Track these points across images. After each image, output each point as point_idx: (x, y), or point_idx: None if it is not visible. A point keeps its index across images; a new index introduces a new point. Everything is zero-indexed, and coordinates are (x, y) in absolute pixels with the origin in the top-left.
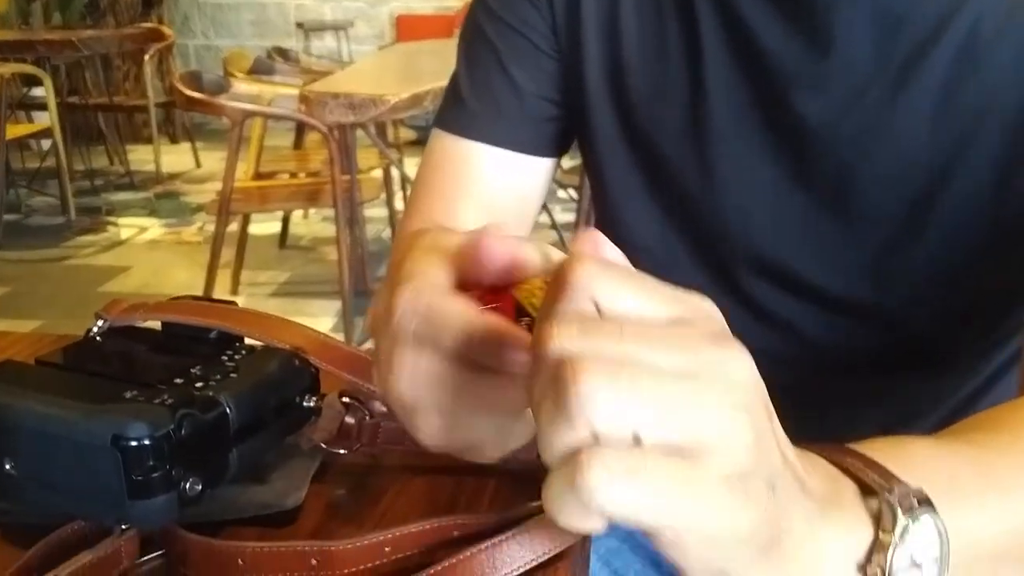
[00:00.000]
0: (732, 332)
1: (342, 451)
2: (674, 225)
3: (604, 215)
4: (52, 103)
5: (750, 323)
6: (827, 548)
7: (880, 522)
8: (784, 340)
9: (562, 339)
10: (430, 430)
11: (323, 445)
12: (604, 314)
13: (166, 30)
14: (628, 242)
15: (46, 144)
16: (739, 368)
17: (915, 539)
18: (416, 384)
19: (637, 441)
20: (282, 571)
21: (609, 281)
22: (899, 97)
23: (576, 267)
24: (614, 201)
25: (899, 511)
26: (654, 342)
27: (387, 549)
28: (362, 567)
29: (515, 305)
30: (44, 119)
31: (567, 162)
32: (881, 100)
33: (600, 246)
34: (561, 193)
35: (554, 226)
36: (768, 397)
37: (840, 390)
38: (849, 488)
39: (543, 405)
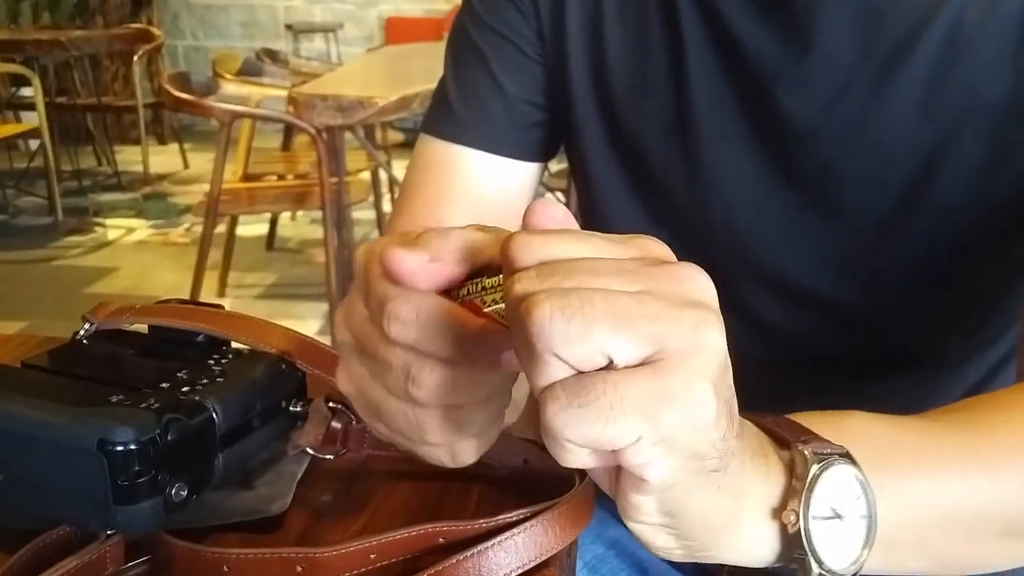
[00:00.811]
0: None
1: (328, 456)
2: (659, 225)
3: (589, 217)
4: (40, 103)
5: (738, 326)
6: (749, 491)
7: (793, 470)
8: (772, 343)
9: (521, 283)
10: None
11: (309, 450)
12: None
13: (155, 31)
14: None
15: (34, 144)
16: (692, 284)
17: (830, 487)
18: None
19: (609, 363)
20: None
21: (556, 237)
22: (882, 93)
23: (520, 234)
24: (599, 203)
25: (810, 457)
26: (605, 270)
27: (372, 556)
28: (348, 574)
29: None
30: (32, 119)
31: (554, 166)
32: (864, 97)
33: (545, 210)
34: (548, 196)
35: None
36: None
37: (828, 392)
38: (766, 441)
39: (520, 354)
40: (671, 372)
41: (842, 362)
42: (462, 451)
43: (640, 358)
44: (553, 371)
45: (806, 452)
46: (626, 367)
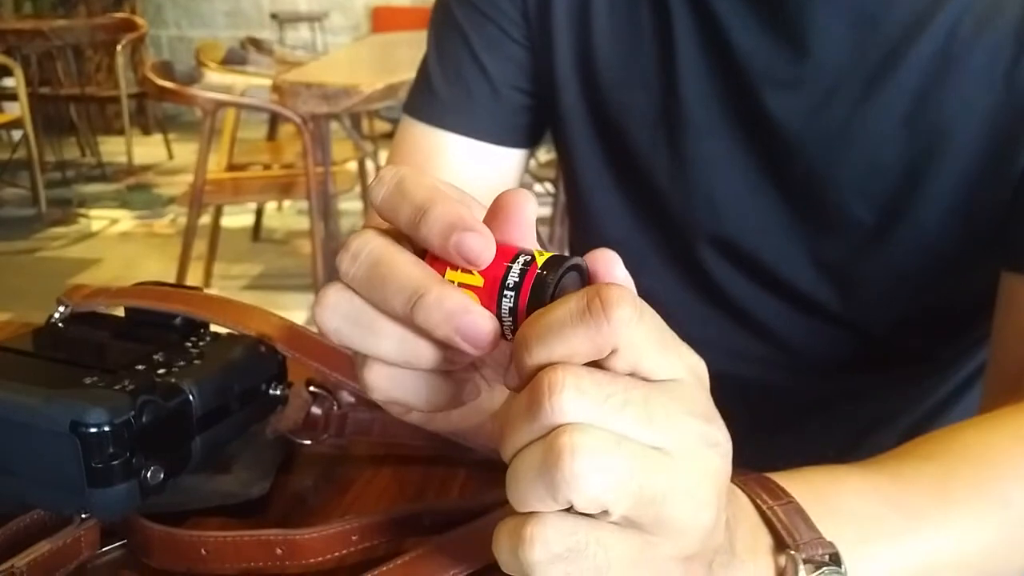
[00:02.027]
0: (706, 333)
1: (308, 441)
2: (644, 218)
3: (575, 208)
4: (23, 94)
5: (723, 323)
6: None
7: (783, 573)
8: (757, 341)
9: (563, 400)
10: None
11: (289, 435)
12: (615, 369)
13: (139, 20)
14: (598, 235)
15: (17, 135)
16: (715, 452)
17: None
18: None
19: (605, 513)
20: (246, 560)
21: (638, 333)
22: (871, 99)
23: (614, 308)
24: (584, 193)
25: (801, 570)
26: (644, 419)
27: (354, 537)
28: (328, 556)
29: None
30: (15, 110)
31: (543, 155)
32: (853, 101)
33: (614, 266)
34: (537, 187)
35: None
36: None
37: (813, 392)
38: (764, 542)
39: (527, 460)
40: (659, 548)
41: (825, 363)
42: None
43: (634, 520)
44: (547, 504)
45: (799, 564)
46: (616, 524)
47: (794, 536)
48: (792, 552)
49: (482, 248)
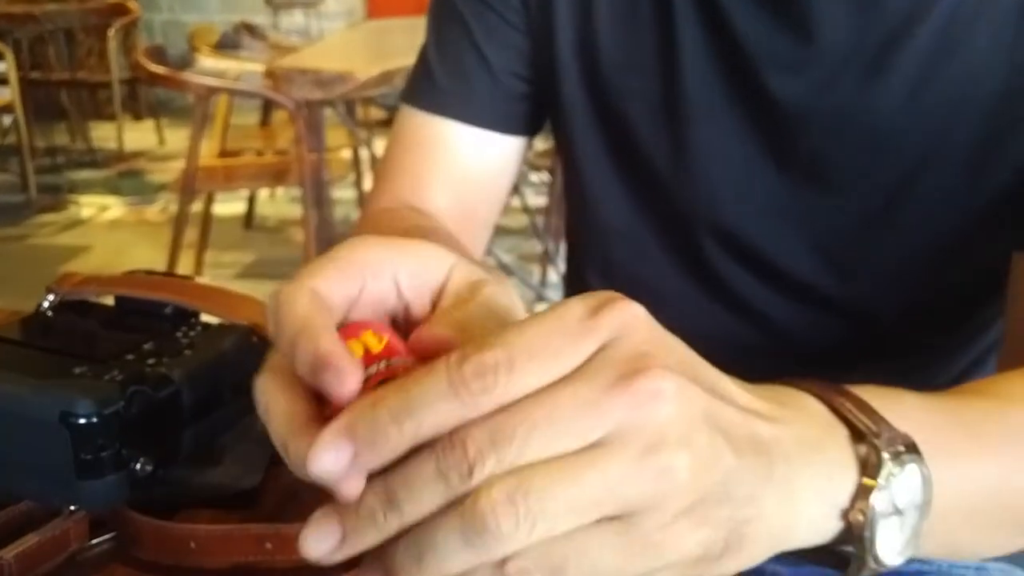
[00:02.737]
0: (705, 324)
1: None
2: (644, 206)
3: (574, 196)
4: (13, 78)
5: (723, 314)
6: (803, 499)
7: (866, 467)
8: (757, 332)
9: (473, 454)
10: None
11: None
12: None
13: (131, 4)
14: (598, 224)
15: (7, 120)
16: (656, 407)
17: (899, 485)
18: None
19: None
20: (236, 554)
21: (505, 370)
22: (875, 81)
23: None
24: (584, 181)
25: (886, 457)
26: (552, 430)
27: None
28: None
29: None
30: (5, 94)
31: (540, 144)
32: (855, 85)
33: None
34: (533, 176)
35: (526, 209)
36: (709, 371)
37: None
38: (840, 433)
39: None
40: (639, 525)
41: (825, 352)
42: None
43: (604, 516)
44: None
45: (883, 451)
46: (589, 523)
47: (869, 426)
48: (873, 440)
49: (338, 387)
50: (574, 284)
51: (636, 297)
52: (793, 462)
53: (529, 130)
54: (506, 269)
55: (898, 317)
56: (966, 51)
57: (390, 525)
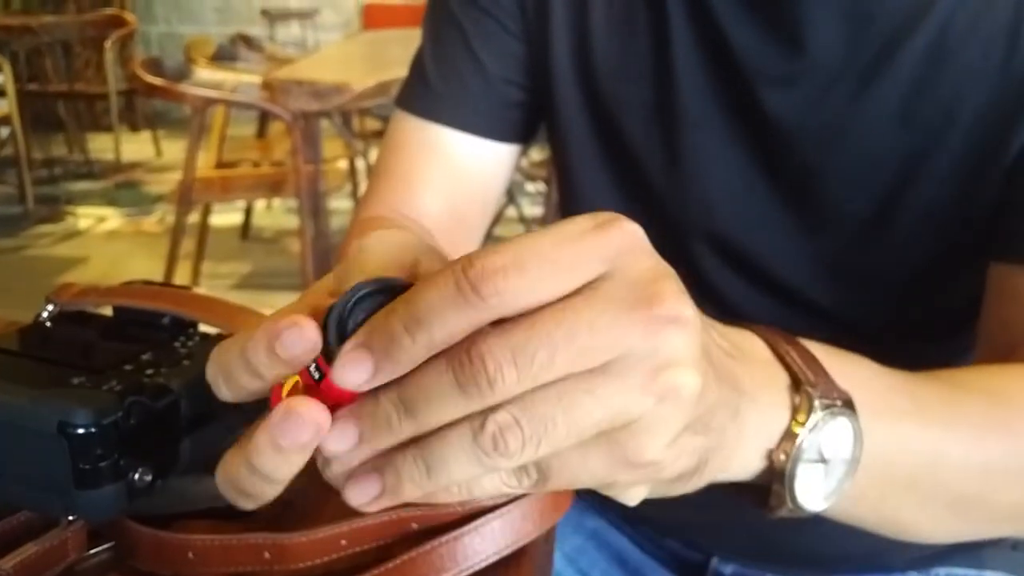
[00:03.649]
0: None
1: None
2: (638, 212)
3: (568, 204)
4: (11, 90)
5: (716, 319)
6: (746, 435)
7: (797, 413)
8: None
9: (504, 379)
10: None
11: None
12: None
13: (128, 16)
14: None
15: (4, 132)
16: (674, 332)
17: (826, 435)
18: None
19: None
20: (234, 564)
21: (515, 274)
22: (866, 94)
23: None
24: (578, 190)
25: (816, 405)
26: (573, 350)
27: (343, 542)
28: (317, 561)
29: None
30: (2, 106)
31: (536, 155)
32: (847, 98)
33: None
34: (529, 186)
35: (522, 219)
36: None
37: None
38: (780, 377)
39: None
40: (642, 444)
41: None
42: None
43: (604, 433)
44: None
45: (815, 399)
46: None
47: (808, 376)
48: (808, 389)
49: (298, 338)
50: None
51: None
52: (747, 400)
53: (523, 138)
54: None
55: (889, 325)
56: (957, 66)
57: (404, 431)
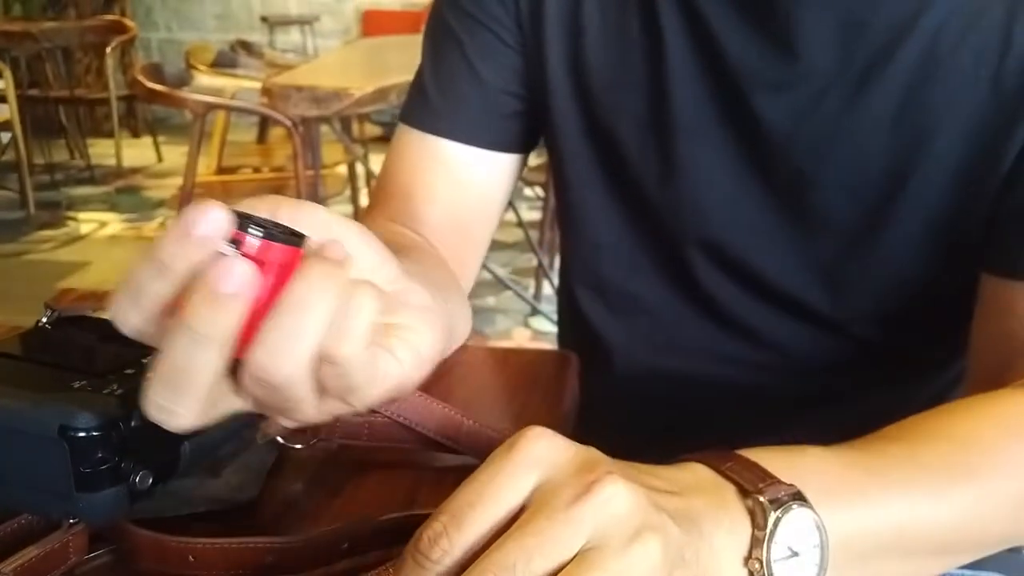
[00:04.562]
0: (694, 338)
1: (298, 446)
2: (633, 222)
3: (565, 211)
4: (12, 96)
5: (712, 328)
6: (720, 554)
7: (755, 518)
8: (745, 345)
9: None
10: None
11: (279, 439)
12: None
13: (128, 23)
14: (587, 239)
15: (5, 137)
16: (619, 504)
17: (788, 531)
18: None
19: None
20: (234, 567)
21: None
22: (858, 103)
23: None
24: (575, 197)
25: (767, 507)
26: (546, 550)
27: (344, 545)
28: (317, 563)
29: None
30: (4, 112)
31: (534, 159)
32: (840, 105)
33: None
34: (528, 191)
35: (520, 224)
36: (627, 466)
37: (801, 395)
38: (729, 490)
39: None
40: None
41: (814, 366)
42: None
43: None
44: None
45: (764, 501)
46: None
47: (753, 483)
48: (756, 496)
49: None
50: (566, 298)
51: (627, 311)
52: (708, 523)
53: (523, 148)
54: (501, 283)
55: (885, 331)
56: (948, 72)
57: None
